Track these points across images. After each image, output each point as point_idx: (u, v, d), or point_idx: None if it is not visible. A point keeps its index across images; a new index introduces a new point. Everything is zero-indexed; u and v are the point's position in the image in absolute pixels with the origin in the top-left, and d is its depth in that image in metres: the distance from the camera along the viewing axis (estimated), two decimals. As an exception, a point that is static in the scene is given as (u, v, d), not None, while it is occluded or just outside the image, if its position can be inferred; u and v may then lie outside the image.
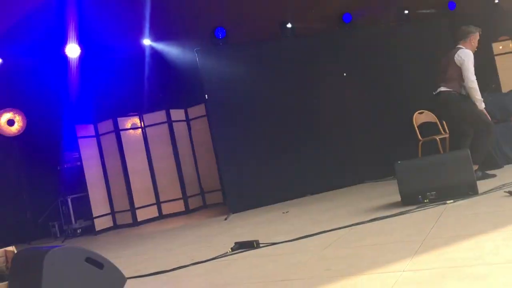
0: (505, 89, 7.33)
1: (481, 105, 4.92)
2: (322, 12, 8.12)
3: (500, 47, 8.10)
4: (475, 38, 5.10)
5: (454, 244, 2.54)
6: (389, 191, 5.01)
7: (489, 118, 5.00)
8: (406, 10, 8.40)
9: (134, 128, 7.91)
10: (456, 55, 4.99)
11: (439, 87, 5.11)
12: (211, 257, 3.52)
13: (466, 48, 5.03)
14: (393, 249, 2.72)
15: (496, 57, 7.82)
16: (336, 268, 2.56)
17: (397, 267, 2.32)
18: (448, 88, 5.03)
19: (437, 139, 6.36)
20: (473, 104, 4.92)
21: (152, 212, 7.77)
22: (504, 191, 3.66)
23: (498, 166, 5.36)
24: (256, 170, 6.47)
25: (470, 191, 3.89)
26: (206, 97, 6.52)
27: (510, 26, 9.38)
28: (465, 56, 4.92)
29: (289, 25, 7.44)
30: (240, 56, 6.67)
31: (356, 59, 6.94)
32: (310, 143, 6.66)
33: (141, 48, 8.21)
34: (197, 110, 8.17)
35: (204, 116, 8.04)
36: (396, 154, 6.12)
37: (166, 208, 7.84)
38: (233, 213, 6.13)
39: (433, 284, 1.98)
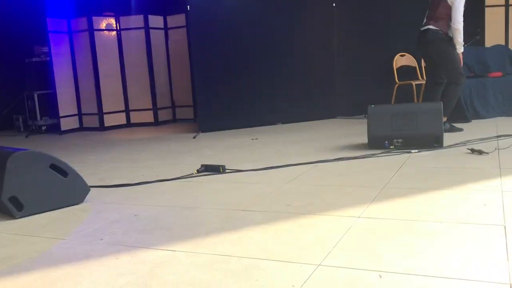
0: (488, 43, 7.30)
1: (461, 49, 4.89)
2: None
3: (492, -2, 7.94)
4: None
5: (410, 196, 2.64)
6: (358, 131, 5.10)
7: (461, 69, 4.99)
8: None
9: (109, 29, 7.60)
10: None
11: (428, 24, 5.01)
12: (176, 176, 3.57)
13: None
14: (353, 193, 2.81)
15: (486, 8, 7.69)
16: (297, 205, 2.64)
17: (354, 212, 2.41)
18: (436, 27, 4.92)
19: (413, 84, 6.40)
20: (454, 50, 4.90)
21: (120, 119, 7.71)
22: (467, 148, 3.77)
23: (467, 120, 5.48)
24: (231, 91, 6.43)
25: (436, 143, 4.00)
26: (188, 8, 6.26)
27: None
28: None
29: None
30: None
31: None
32: (287, 73, 6.60)
33: None
34: (177, 20, 7.87)
35: (183, 27, 7.78)
36: (372, 94, 6.18)
37: (135, 117, 7.79)
38: (202, 132, 6.15)
39: (386, 234, 2.08)
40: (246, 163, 3.90)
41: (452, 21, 4.81)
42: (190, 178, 3.53)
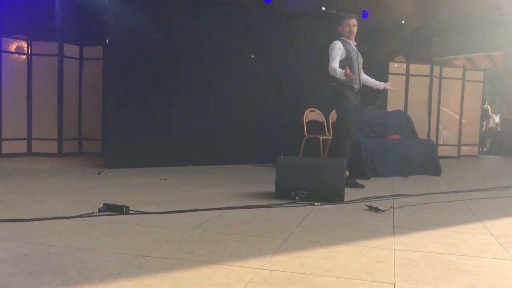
0: (390, 108, 7.93)
1: (340, 73, 4.92)
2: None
3: (395, 66, 8.70)
4: (345, 24, 5.18)
5: (311, 249, 2.72)
6: (267, 179, 5.21)
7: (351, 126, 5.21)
8: (323, 7, 8.66)
9: (19, 52, 7.23)
10: None
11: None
12: (75, 214, 3.39)
13: (342, 37, 5.18)
14: (256, 243, 2.84)
15: (389, 75, 8.39)
16: (199, 253, 2.61)
17: (255, 263, 2.43)
18: (334, 81, 5.12)
19: (321, 138, 6.73)
20: (347, 106, 5.11)
21: (21, 147, 7.24)
22: (366, 205, 4.00)
23: (367, 177, 5.82)
24: (142, 128, 6.34)
25: (337, 197, 4.19)
26: (107, 42, 6.16)
27: (408, 49, 10.15)
28: (331, 46, 5.10)
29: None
30: (155, 11, 6.37)
31: (267, 43, 7.02)
32: (202, 115, 6.66)
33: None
34: (94, 51, 7.71)
35: (100, 59, 7.61)
36: (282, 144, 6.38)
37: (38, 146, 7.36)
38: (108, 168, 5.94)
39: (284, 288, 2.11)
40: (151, 205, 3.81)
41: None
42: (90, 217, 3.36)
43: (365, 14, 9.71)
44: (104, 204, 3.58)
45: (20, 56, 7.21)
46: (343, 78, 4.92)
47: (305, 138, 6.80)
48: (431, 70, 8.56)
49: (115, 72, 6.21)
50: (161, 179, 5.31)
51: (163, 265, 2.38)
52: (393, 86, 5.58)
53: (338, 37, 5.20)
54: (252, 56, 6.98)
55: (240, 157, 6.95)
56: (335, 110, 5.43)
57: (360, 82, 5.25)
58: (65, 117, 7.50)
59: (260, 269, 2.36)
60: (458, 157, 8.96)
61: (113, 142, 6.16)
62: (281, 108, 7.10)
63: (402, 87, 8.50)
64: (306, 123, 6.94)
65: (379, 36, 10.04)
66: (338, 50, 5.04)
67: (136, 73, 6.28)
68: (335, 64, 4.98)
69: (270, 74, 7.10)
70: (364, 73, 5.43)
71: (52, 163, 6.62)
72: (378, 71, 8.46)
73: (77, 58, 7.72)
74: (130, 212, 3.55)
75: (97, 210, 3.50)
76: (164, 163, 6.33)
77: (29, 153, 7.29)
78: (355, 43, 5.25)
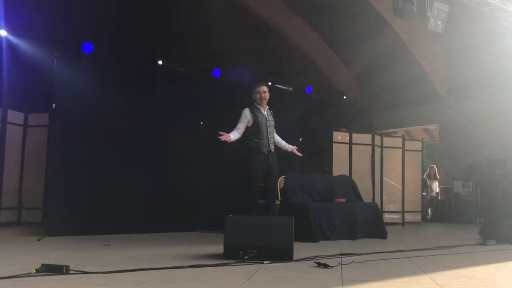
0: (335, 173, 8.17)
1: (234, 136, 5.23)
2: (196, 60, 8.39)
3: (339, 137, 9.06)
4: (256, 91, 5.40)
5: (259, 301, 2.67)
6: (216, 243, 5.10)
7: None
8: (270, 82, 9.07)
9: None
10: None
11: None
12: (11, 275, 3.17)
13: (254, 103, 5.42)
14: (204, 297, 2.75)
15: (334, 144, 8.72)
16: (143, 306, 2.50)
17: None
18: (246, 146, 5.38)
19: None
20: (252, 170, 5.27)
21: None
22: (314, 262, 4.00)
23: (315, 240, 5.83)
24: (86, 196, 6.10)
25: (286, 256, 4.17)
26: (54, 106, 6.10)
27: (350, 122, 10.68)
28: (242, 113, 5.38)
29: (160, 62, 7.48)
30: (103, 77, 6.42)
31: (216, 112, 7.16)
32: (149, 183, 6.55)
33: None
34: (39, 118, 7.59)
35: (46, 126, 7.48)
36: (233, 210, 6.32)
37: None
38: (49, 236, 5.65)
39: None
40: (93, 266, 3.63)
41: None
42: (26, 277, 3.16)
43: (309, 90, 10.25)
44: (42, 265, 3.38)
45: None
46: (231, 140, 5.22)
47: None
48: (373, 139, 8.97)
49: (60, 138, 6.09)
50: (104, 244, 5.10)
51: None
52: (299, 151, 5.80)
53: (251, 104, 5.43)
54: (201, 123, 7.10)
55: (189, 223, 6.81)
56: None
57: (269, 145, 5.42)
58: (4, 185, 7.17)
59: (207, 317, 2.28)
60: (403, 223, 9.19)
61: (55, 208, 5.91)
62: (232, 173, 7.11)
63: (346, 156, 8.81)
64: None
65: (322, 109, 10.57)
66: (243, 119, 5.34)
67: (81, 138, 6.13)
68: (235, 130, 5.29)
69: (220, 141, 7.17)
70: (285, 139, 5.74)
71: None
72: (322, 140, 8.84)
73: (21, 125, 7.55)
74: (71, 272, 3.36)
75: (34, 271, 3.29)
76: (109, 230, 6.08)
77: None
78: (267, 107, 5.51)
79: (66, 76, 6.09)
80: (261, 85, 5.45)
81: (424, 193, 10.61)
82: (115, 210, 6.23)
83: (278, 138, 5.69)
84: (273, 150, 5.46)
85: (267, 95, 5.44)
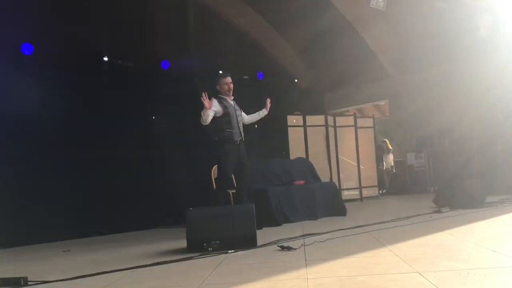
0: (292, 156, 8.25)
1: (205, 120, 5.15)
2: (143, 53, 8.18)
3: (294, 121, 9.14)
4: (223, 83, 5.36)
5: (226, 291, 2.67)
6: (179, 237, 5.06)
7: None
8: (220, 71, 9.01)
9: None
10: None
11: None
12: (-37, 294, 3.04)
13: (219, 94, 5.38)
14: (169, 293, 2.73)
15: (288, 128, 8.79)
16: (108, 310, 2.45)
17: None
18: (216, 137, 5.35)
19: (230, 192, 6.74)
20: (223, 159, 5.29)
21: None
22: (278, 246, 4.04)
23: (278, 223, 5.90)
24: (36, 201, 5.84)
25: (250, 243, 4.19)
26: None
27: (303, 104, 10.77)
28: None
29: (105, 59, 7.26)
30: (45, 78, 6.16)
31: (168, 105, 7.06)
32: (103, 181, 6.41)
33: None
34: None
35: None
36: (193, 203, 6.28)
37: None
38: (3, 248, 5.43)
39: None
40: (55, 274, 3.53)
41: None
42: (-19, 294, 3.03)
43: (260, 75, 10.26)
44: (-2, 279, 3.26)
45: None
46: (206, 113, 5.08)
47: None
48: (326, 120, 9.10)
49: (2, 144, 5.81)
50: (64, 251, 4.96)
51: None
52: (269, 100, 5.79)
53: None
54: (153, 117, 6.98)
55: (150, 221, 6.72)
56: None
57: (241, 134, 5.43)
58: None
59: (174, 313, 2.26)
60: (361, 199, 9.43)
61: (3, 218, 5.63)
62: (189, 166, 7.07)
63: (301, 139, 8.90)
64: (214, 178, 6.95)
65: (275, 94, 10.61)
66: (214, 107, 5.21)
67: (25, 142, 5.90)
68: (202, 118, 5.14)
69: (174, 133, 7.11)
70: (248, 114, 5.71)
71: None
72: (277, 125, 8.88)
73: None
74: (29, 283, 3.25)
75: (-12, 286, 3.17)
76: (66, 235, 5.91)
77: None
78: (232, 97, 5.48)
79: (3, 79, 5.80)
80: (226, 76, 5.42)
81: (380, 167, 10.92)
82: (71, 214, 6.04)
83: (250, 117, 5.73)
84: (243, 139, 5.47)
85: (232, 86, 5.41)
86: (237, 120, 5.41)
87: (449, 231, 4.32)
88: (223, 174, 5.33)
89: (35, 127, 5.96)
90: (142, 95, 6.95)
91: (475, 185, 6.48)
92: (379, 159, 11.10)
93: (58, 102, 6.11)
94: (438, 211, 5.95)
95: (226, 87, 5.36)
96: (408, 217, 5.58)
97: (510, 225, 4.54)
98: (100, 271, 3.49)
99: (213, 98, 5.27)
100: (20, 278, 3.25)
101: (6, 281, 3.24)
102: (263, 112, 5.79)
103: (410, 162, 10.91)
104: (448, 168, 9.96)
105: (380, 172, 10.80)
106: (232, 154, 5.30)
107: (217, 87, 5.42)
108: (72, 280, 3.30)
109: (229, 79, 5.41)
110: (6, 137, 5.80)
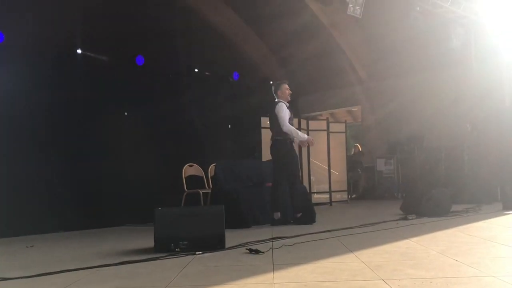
0: (265, 158, 8.26)
1: (301, 137, 5.94)
2: (118, 47, 8.05)
3: (267, 122, 9.12)
4: (285, 88, 6.02)
5: (192, 293, 2.65)
6: (147, 236, 5.01)
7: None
8: (196, 69, 9.01)
9: None
10: (275, 108, 5.90)
11: (273, 137, 6.02)
12: None
13: (280, 99, 5.94)
14: (134, 294, 2.69)
15: (262, 130, 8.80)
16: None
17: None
18: (280, 136, 5.89)
19: (201, 192, 6.73)
20: (292, 157, 5.90)
21: None
22: (246, 248, 4.04)
23: (247, 225, 5.90)
24: (3, 193, 5.72)
25: (218, 245, 4.18)
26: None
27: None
28: (279, 108, 5.88)
29: (79, 51, 7.11)
30: (15, 70, 6.00)
31: (141, 101, 6.99)
32: (71, 177, 6.29)
33: None
34: None
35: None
36: (162, 202, 6.24)
37: None
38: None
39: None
40: (16, 271, 3.44)
41: (281, 126, 5.85)
42: None
43: (236, 76, 10.25)
44: (-44, 275, 3.15)
45: None
46: (299, 140, 5.96)
47: (185, 193, 6.74)
48: (299, 123, 9.15)
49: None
50: (27, 246, 4.84)
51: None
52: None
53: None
54: (126, 114, 6.89)
55: (118, 218, 6.62)
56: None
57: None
58: None
59: (138, 316, 2.23)
60: (331, 203, 9.53)
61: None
62: (159, 164, 7.01)
63: (274, 140, 8.91)
64: (185, 178, 6.92)
65: (250, 95, 10.62)
66: (286, 112, 5.89)
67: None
68: (290, 126, 5.89)
69: (145, 131, 7.03)
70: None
71: None
72: (251, 126, 8.89)
73: None
74: (-12, 280, 3.16)
75: None
76: (31, 230, 5.77)
77: None
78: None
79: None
80: (286, 83, 6.06)
81: (360, 172, 11.07)
82: (36, 208, 5.90)
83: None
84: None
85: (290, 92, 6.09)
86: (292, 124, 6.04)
87: (414, 239, 4.40)
88: (293, 172, 5.94)
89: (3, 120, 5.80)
90: (115, 90, 6.84)
91: (441, 194, 6.63)
92: (358, 164, 11.25)
93: (28, 93, 5.96)
94: (405, 218, 6.06)
95: (287, 92, 6.03)
96: (375, 223, 5.66)
97: (473, 235, 4.65)
98: (63, 269, 3.42)
99: (281, 103, 5.89)
100: (-21, 274, 3.15)
101: (-36, 277, 3.14)
102: (300, 137, 6.06)
103: (379, 168, 11.08)
104: (416, 176, 10.17)
105: (358, 176, 10.96)
106: (293, 152, 5.98)
107: (278, 93, 6.01)
108: (34, 278, 3.22)
109: (287, 86, 6.03)
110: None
